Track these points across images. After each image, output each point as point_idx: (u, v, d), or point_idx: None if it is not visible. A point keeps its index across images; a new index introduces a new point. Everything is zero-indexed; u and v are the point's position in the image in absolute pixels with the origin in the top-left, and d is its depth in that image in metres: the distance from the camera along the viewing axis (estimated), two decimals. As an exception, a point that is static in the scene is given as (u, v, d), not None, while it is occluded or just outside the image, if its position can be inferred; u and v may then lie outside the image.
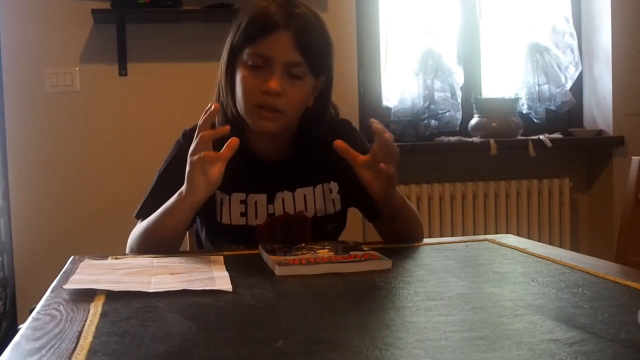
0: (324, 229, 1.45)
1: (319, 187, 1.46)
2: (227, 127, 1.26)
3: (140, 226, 1.38)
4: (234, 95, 1.40)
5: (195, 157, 1.24)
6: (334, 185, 1.48)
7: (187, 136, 1.46)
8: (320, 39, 1.38)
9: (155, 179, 1.46)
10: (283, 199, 1.44)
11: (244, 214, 1.43)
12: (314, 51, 1.35)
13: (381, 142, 1.26)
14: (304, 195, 1.45)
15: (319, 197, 1.46)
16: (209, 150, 1.25)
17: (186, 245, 1.55)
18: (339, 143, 1.28)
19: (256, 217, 1.42)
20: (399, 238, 1.42)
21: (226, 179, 1.29)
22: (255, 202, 1.43)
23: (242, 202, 1.43)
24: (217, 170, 1.25)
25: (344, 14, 2.87)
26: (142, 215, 1.41)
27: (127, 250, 1.41)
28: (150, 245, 1.34)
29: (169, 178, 1.42)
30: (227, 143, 1.25)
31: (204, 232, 1.49)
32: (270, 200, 1.43)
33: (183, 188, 1.28)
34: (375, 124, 1.27)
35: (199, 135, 1.25)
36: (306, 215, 1.43)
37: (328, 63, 1.42)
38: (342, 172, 1.41)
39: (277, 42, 1.32)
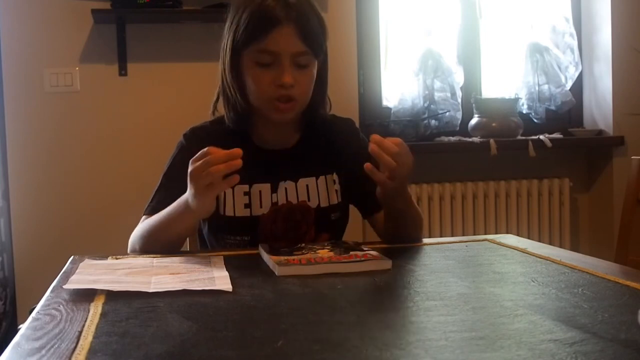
0: (327, 218, 1.47)
1: (321, 178, 1.48)
2: (240, 162, 1.21)
3: (144, 227, 1.39)
4: (242, 91, 1.42)
5: (204, 172, 1.19)
6: (336, 177, 1.50)
7: (188, 137, 1.50)
8: (317, 24, 1.41)
9: (160, 180, 1.48)
10: (286, 188, 1.46)
11: (247, 205, 1.44)
12: (315, 37, 1.39)
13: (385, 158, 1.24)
14: (307, 186, 1.46)
15: (322, 188, 1.47)
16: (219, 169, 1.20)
17: (186, 245, 1.55)
18: (368, 166, 1.26)
19: (261, 207, 1.44)
20: (399, 237, 1.42)
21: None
22: (260, 192, 1.44)
23: (245, 193, 1.44)
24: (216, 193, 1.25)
25: (344, 14, 2.86)
26: (148, 213, 1.43)
27: (129, 248, 1.41)
28: (156, 247, 1.34)
29: (172, 177, 1.44)
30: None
31: (207, 227, 1.50)
32: (274, 190, 1.45)
33: (191, 201, 1.25)
34: (373, 141, 1.25)
35: (213, 152, 1.21)
36: (309, 205, 1.45)
37: (325, 44, 1.45)
38: (342, 165, 1.47)
39: (281, 37, 1.35)
